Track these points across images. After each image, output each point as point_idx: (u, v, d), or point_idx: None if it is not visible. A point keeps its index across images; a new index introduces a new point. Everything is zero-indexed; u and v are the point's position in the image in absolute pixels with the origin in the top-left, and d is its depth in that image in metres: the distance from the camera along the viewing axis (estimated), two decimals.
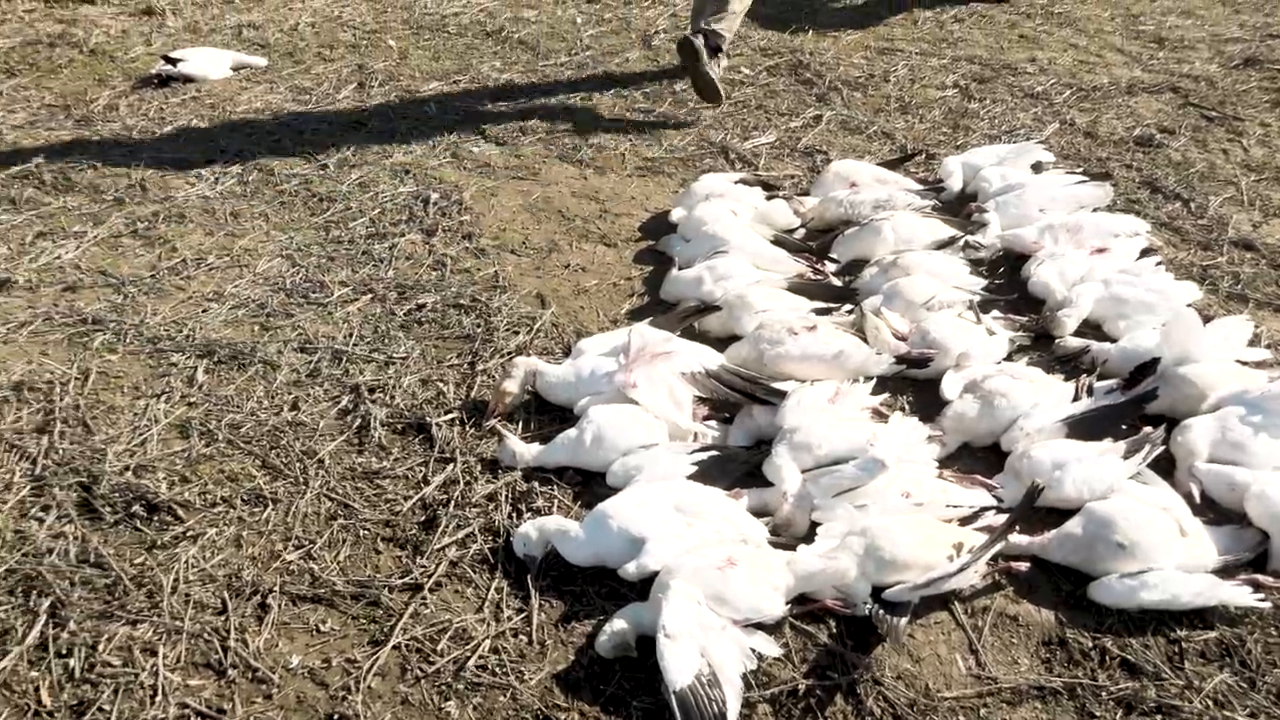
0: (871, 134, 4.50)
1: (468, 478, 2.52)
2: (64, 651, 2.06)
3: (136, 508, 2.38)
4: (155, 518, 2.37)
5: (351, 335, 3.03)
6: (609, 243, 3.62)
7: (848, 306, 3.14)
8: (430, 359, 2.95)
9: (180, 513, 2.38)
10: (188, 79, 4.86)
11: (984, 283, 3.27)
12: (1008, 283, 3.35)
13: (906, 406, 2.82)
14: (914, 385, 2.89)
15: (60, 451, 2.55)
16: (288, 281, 3.30)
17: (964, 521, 2.38)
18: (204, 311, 3.14)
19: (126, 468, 2.49)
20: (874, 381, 2.78)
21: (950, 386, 2.79)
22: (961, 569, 2.14)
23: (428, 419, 2.68)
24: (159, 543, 2.31)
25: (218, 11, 5.87)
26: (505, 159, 4.20)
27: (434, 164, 4.13)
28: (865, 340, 2.92)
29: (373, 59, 5.24)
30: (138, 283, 3.27)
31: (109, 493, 2.42)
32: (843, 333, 2.91)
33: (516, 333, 3.06)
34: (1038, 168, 3.93)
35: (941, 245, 3.41)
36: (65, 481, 2.45)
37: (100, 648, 2.06)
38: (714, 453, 2.51)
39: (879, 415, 2.73)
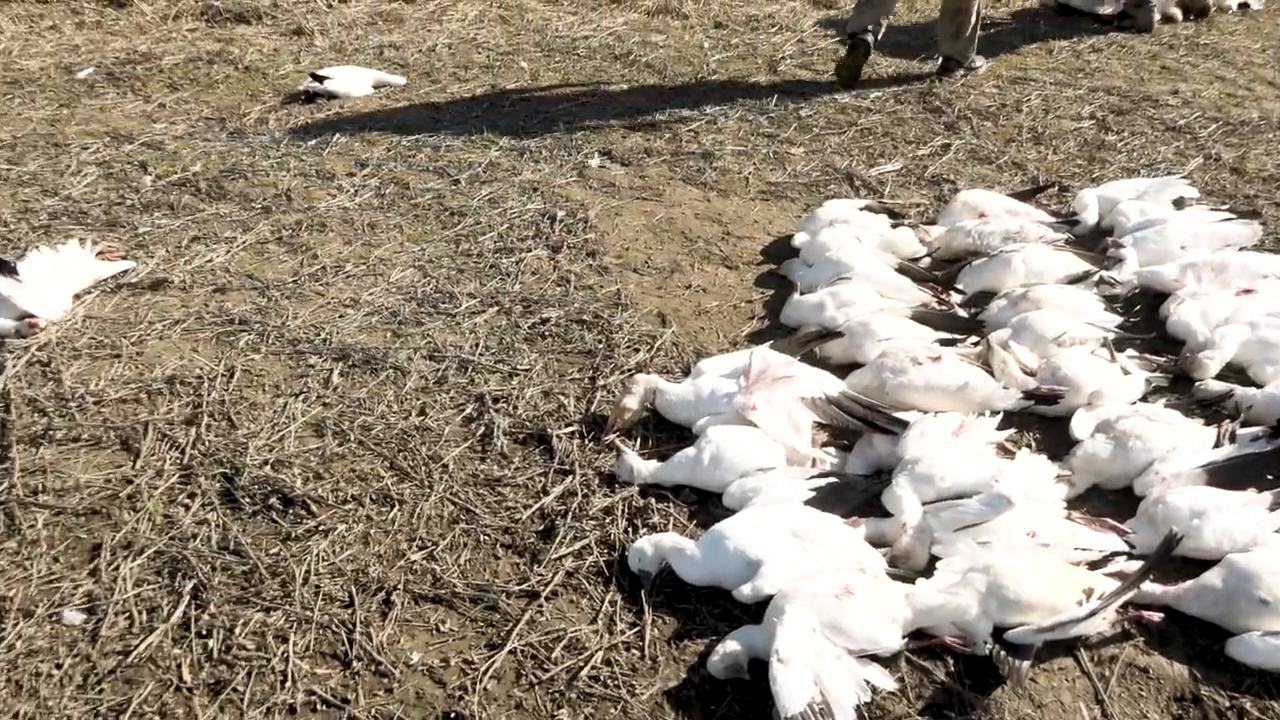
0: (1002, 164, 4.41)
1: (585, 490, 2.56)
2: (204, 632, 2.17)
3: (273, 500, 2.50)
4: (290, 511, 2.48)
5: (478, 345, 3.12)
6: (731, 265, 3.63)
7: (973, 338, 3.08)
8: (552, 372, 3.01)
9: (313, 507, 2.49)
10: (332, 96, 5.09)
11: (1119, 320, 3.16)
12: (1144, 321, 3.23)
13: (1033, 444, 2.74)
14: (1041, 422, 2.81)
15: (206, 443, 2.69)
16: (419, 291, 3.43)
17: (1092, 566, 2.30)
18: (340, 317, 3.28)
19: (266, 462, 2.62)
20: (1000, 416, 2.71)
21: (1081, 425, 2.71)
22: (1090, 614, 2.07)
23: (549, 430, 2.74)
24: (293, 535, 2.41)
25: (361, 33, 6.14)
26: (630, 179, 4.27)
27: (561, 182, 4.22)
28: (991, 374, 2.86)
29: (505, 79, 5.40)
30: (281, 287, 3.44)
31: (249, 484, 2.54)
32: (968, 365, 2.85)
33: (637, 350, 3.10)
34: (1180, 204, 3.78)
35: (1074, 280, 3.32)
36: (210, 472, 2.59)
37: (237, 631, 2.17)
38: (832, 479, 2.49)
39: (1004, 451, 2.66)
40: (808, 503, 2.41)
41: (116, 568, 2.32)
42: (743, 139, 4.66)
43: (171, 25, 6.14)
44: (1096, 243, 3.63)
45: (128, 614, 2.21)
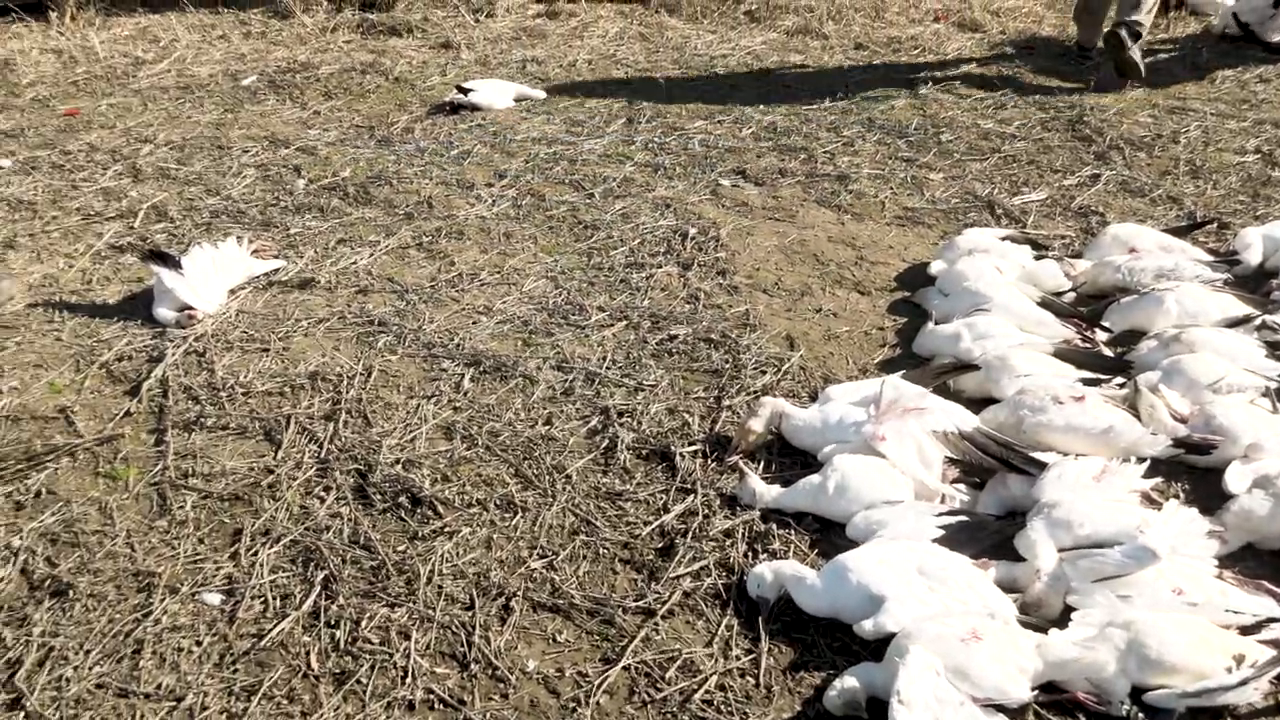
0: (1155, 198, 4.20)
1: (706, 510, 2.54)
2: (333, 623, 2.25)
3: (403, 499, 2.57)
4: (418, 510, 2.55)
5: (605, 359, 3.15)
6: (863, 290, 3.57)
7: (1120, 379, 2.94)
8: (678, 389, 3.01)
9: (440, 509, 2.55)
10: (475, 108, 5.25)
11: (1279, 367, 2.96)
12: None
13: (1181, 494, 2.59)
14: (1191, 473, 2.65)
15: (343, 439, 2.80)
16: (550, 302, 3.48)
17: (1244, 631, 2.15)
18: (474, 323, 3.36)
19: (397, 461, 2.70)
20: (1146, 464, 2.57)
21: (1236, 479, 2.54)
22: (1242, 683, 1.93)
23: (672, 448, 2.74)
24: (419, 534, 2.48)
25: (505, 47, 6.31)
26: (763, 199, 4.25)
27: (694, 200, 4.23)
28: (1138, 418, 2.72)
29: (642, 96, 5.46)
30: (418, 291, 3.55)
31: (380, 482, 2.63)
32: (1113, 407, 2.72)
33: (764, 372, 3.07)
34: None
35: (1233, 324, 3.13)
36: (345, 467, 2.69)
37: (363, 624, 2.24)
38: (963, 518, 2.40)
39: (1149, 501, 2.53)
40: (936, 540, 2.34)
41: (255, 553, 2.43)
42: (880, 162, 4.58)
43: (329, 37, 6.43)
44: (1259, 285, 3.42)
45: (263, 599, 2.31)
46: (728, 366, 3.10)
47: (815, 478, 2.53)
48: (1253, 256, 3.56)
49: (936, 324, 3.20)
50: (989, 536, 2.38)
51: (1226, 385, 2.81)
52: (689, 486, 2.62)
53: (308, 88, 5.58)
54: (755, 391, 2.98)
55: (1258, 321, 3.14)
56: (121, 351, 3.19)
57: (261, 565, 2.39)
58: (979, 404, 2.88)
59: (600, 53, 6.20)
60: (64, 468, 2.70)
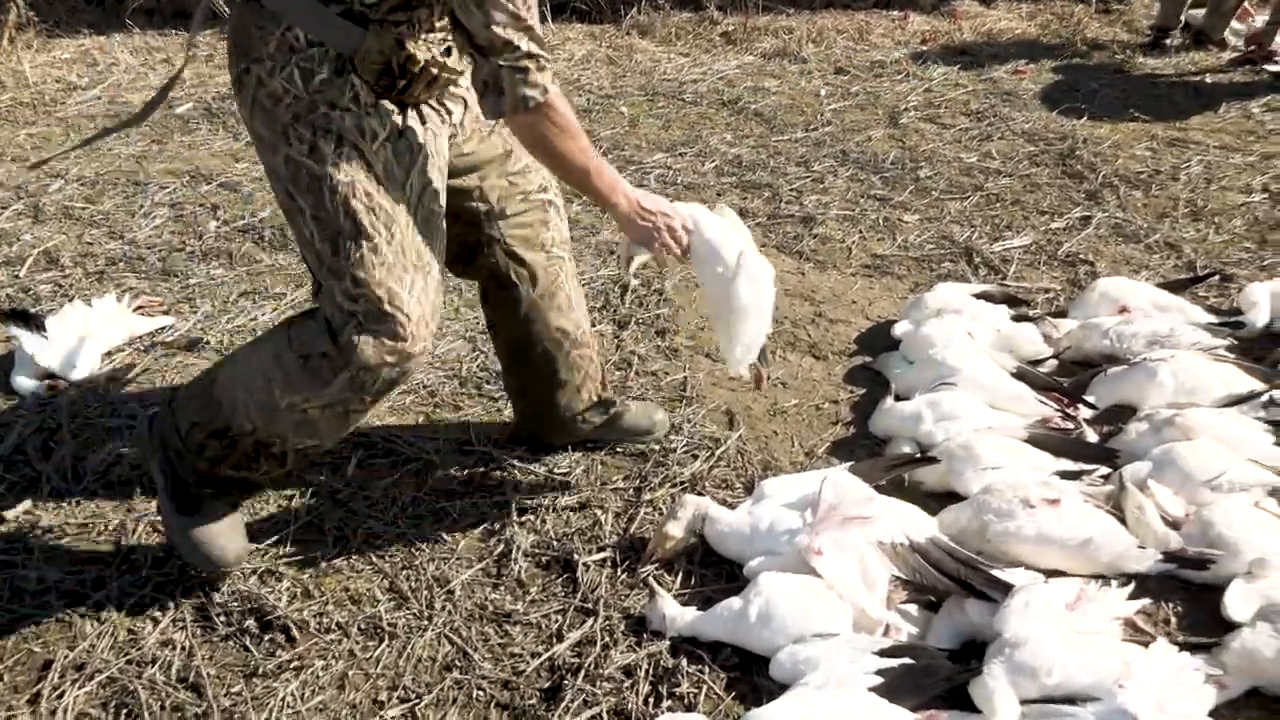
0: (1152, 244, 3.80)
1: (607, 638, 2.14)
2: None
3: (250, 622, 2.18)
4: (266, 637, 2.16)
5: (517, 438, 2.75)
6: (818, 354, 3.17)
7: (1103, 470, 2.54)
8: (593, 477, 2.61)
9: (293, 634, 2.16)
10: None
11: None
12: None
13: (1174, 619, 2.18)
14: (1185, 590, 2.25)
15: None
16: (464, 368, 3.09)
17: None
18: None
19: (254, 571, 2.31)
20: (1131, 585, 2.17)
21: (1237, 604, 2.14)
22: None
23: (576, 555, 2.34)
24: (262, 669, 2.08)
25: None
26: None
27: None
28: (1124, 522, 2.32)
29: (602, 125, 5.07)
30: None
31: (228, 599, 2.23)
32: (1095, 510, 2.32)
33: (695, 457, 2.68)
34: None
35: (1236, 401, 2.72)
36: (189, 579, 2.30)
37: None
38: (907, 659, 1.99)
39: (1135, 629, 2.13)
40: (875, 689, 1.94)
41: (61, 695, 2.03)
42: (850, 201, 4.19)
43: None
44: (1267, 350, 3.02)
45: None
46: (655, 450, 2.70)
47: (736, 602, 2.13)
48: (1259, 317, 3.16)
49: (896, 398, 2.80)
50: (938, 684, 1.97)
51: (1228, 482, 2.40)
52: (591, 606, 2.22)
53: None
54: (683, 482, 2.58)
55: (1264, 398, 2.73)
56: None
57: (65, 711, 2.00)
58: (942, 498, 2.49)
59: (563, 77, 5.82)
60: None
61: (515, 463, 2.65)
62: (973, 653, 2.07)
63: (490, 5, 1.79)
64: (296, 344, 2.00)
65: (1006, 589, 2.11)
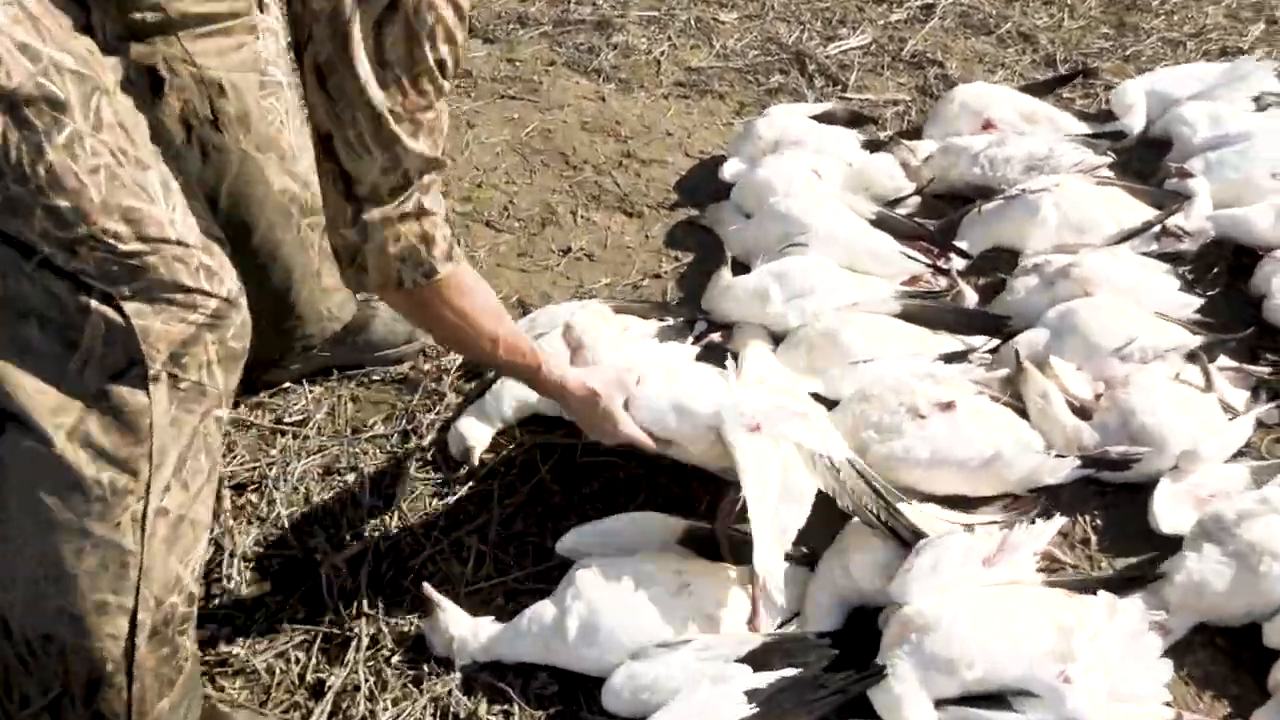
0: (1004, 35, 3.24)
1: (372, 678, 1.51)
2: None
3: None
4: None
5: None
6: (630, 209, 2.49)
7: (990, 342, 2.04)
8: (341, 422, 1.90)
9: None
10: None
11: (1198, 302, 2.12)
12: (1222, 298, 2.19)
13: (1092, 536, 1.75)
14: (1101, 496, 1.81)
15: None
16: None
17: None
18: None
19: None
20: (1058, 518, 1.69)
21: (1168, 512, 1.73)
22: None
23: (318, 554, 1.66)
24: None
25: None
26: (494, 65, 3.02)
27: None
28: (1025, 414, 1.84)
29: None
30: None
31: None
32: (996, 410, 1.82)
33: (470, 379, 2.00)
34: (1262, 103, 2.68)
35: (1128, 236, 2.26)
36: None
37: None
38: (784, 670, 1.46)
39: (1051, 560, 1.68)
40: None
41: None
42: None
43: None
44: (1148, 166, 2.56)
45: None
46: (424, 373, 2.00)
47: (547, 609, 1.52)
48: (1136, 121, 2.68)
49: (731, 270, 2.18)
50: (829, 698, 1.45)
51: (1139, 350, 1.94)
52: (343, 631, 1.57)
53: None
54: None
55: (1156, 227, 2.28)
56: None
57: None
58: None
59: None
60: None
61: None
62: (862, 628, 1.57)
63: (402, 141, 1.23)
64: None
65: (918, 537, 1.58)
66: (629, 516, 1.66)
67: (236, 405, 1.93)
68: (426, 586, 1.58)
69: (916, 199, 2.46)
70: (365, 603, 1.60)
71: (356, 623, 1.57)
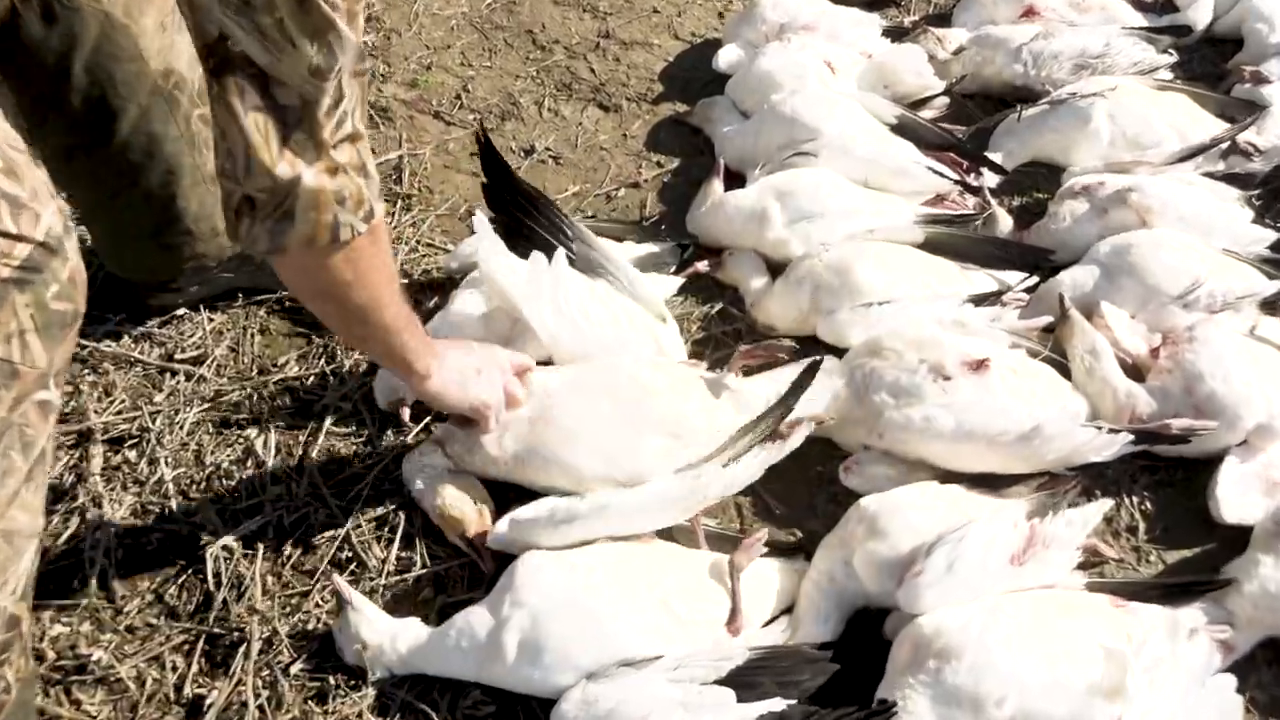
0: None
1: (265, 692, 1.23)
2: None
3: None
4: None
5: None
6: (606, 102, 2.10)
7: (1028, 280, 1.71)
8: (246, 357, 1.57)
9: None
10: None
11: (1274, 237, 1.79)
12: None
13: (1140, 522, 1.47)
14: (1150, 473, 1.53)
15: None
16: None
17: None
18: None
19: None
20: (1103, 502, 1.41)
21: (1233, 498, 1.45)
22: None
23: (204, 535, 1.36)
24: None
25: None
26: None
27: None
28: (1067, 373, 1.54)
29: None
30: None
31: None
32: (1034, 366, 1.51)
33: (418, 301, 1.66)
34: None
35: (1192, 154, 1.90)
36: None
37: None
38: (775, 700, 1.18)
39: (1093, 554, 1.41)
40: None
41: None
42: None
43: None
44: (1213, 71, 2.20)
45: None
46: None
47: (482, 618, 1.22)
48: (1201, 13, 2.29)
49: (727, 183, 1.82)
50: None
51: (1207, 295, 1.62)
52: (232, 633, 1.28)
53: None
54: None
55: (1224, 144, 1.94)
56: None
57: None
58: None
59: None
60: None
61: (94, 350, 1.56)
62: (867, 633, 1.30)
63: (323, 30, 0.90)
64: None
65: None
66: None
67: (119, 336, 1.60)
68: (336, 577, 1.29)
69: (944, 100, 2.09)
70: (259, 594, 1.31)
71: (248, 621, 1.28)
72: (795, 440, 1.38)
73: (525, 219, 1.52)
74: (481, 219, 1.47)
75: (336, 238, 1.03)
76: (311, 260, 1.06)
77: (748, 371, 1.47)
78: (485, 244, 1.44)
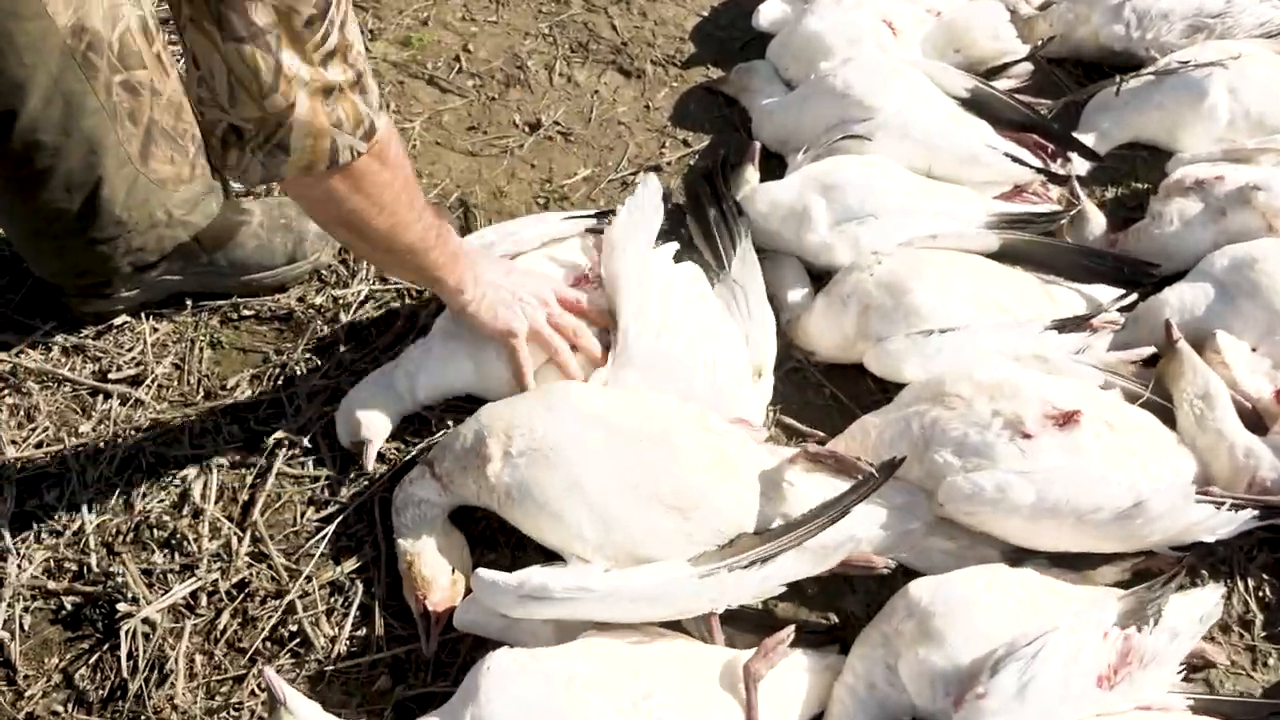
0: None
1: None
2: None
3: None
4: None
5: None
6: (628, 66, 1.81)
7: (1124, 299, 1.42)
8: (192, 376, 1.35)
9: None
10: None
11: None
12: None
13: (1257, 614, 1.20)
14: (1273, 548, 1.25)
15: None
16: None
17: None
18: None
19: None
20: (1218, 597, 1.14)
21: None
22: None
23: (125, 596, 1.15)
24: None
25: None
26: None
27: None
28: (1172, 422, 1.25)
29: None
30: None
31: None
32: (1136, 417, 1.23)
33: (386, 317, 1.42)
34: None
35: None
36: None
37: None
38: None
39: (1200, 658, 1.14)
40: None
41: None
42: None
43: None
44: None
45: None
46: (319, 311, 1.42)
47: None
48: None
49: (754, 169, 1.54)
50: None
51: None
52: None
53: None
54: (364, 359, 1.35)
55: None
56: None
57: None
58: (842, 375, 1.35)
59: None
60: None
61: (17, 366, 1.34)
62: None
63: None
64: None
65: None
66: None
67: (49, 349, 1.38)
68: (269, 670, 1.06)
69: (1027, 67, 1.76)
70: (183, 682, 1.09)
71: (167, 717, 1.07)
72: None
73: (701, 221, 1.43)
74: (654, 183, 1.39)
75: (335, 160, 0.98)
76: (314, 187, 1.01)
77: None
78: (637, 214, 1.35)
